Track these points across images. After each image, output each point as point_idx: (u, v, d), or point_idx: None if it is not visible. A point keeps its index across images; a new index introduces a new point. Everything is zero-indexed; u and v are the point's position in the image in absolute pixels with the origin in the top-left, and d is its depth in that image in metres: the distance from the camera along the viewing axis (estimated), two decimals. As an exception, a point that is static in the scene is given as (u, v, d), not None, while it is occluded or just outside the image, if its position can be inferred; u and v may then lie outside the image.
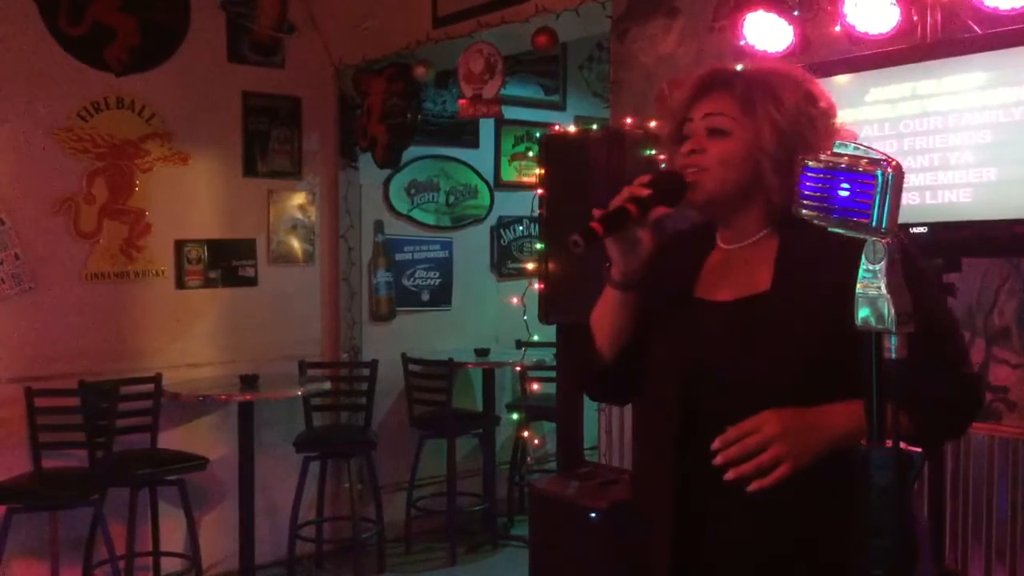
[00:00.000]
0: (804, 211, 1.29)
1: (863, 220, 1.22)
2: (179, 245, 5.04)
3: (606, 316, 1.72)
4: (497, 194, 6.27)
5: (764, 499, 1.49)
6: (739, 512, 1.54)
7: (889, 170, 1.21)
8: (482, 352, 5.67)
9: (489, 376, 5.70)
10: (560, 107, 6.43)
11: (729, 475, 1.47)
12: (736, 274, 1.64)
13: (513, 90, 5.60)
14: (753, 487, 1.46)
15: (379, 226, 5.82)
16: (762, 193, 1.60)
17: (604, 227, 1.55)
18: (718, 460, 1.47)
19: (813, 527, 1.51)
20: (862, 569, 1.22)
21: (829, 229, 1.25)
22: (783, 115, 1.58)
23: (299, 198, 5.47)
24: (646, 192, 1.58)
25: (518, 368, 5.48)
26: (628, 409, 3.66)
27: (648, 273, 1.66)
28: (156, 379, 4.76)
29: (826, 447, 1.47)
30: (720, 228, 1.70)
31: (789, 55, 3.15)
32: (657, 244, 1.63)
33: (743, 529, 1.55)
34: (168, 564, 4.82)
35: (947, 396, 1.53)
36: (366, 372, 5.31)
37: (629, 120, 3.41)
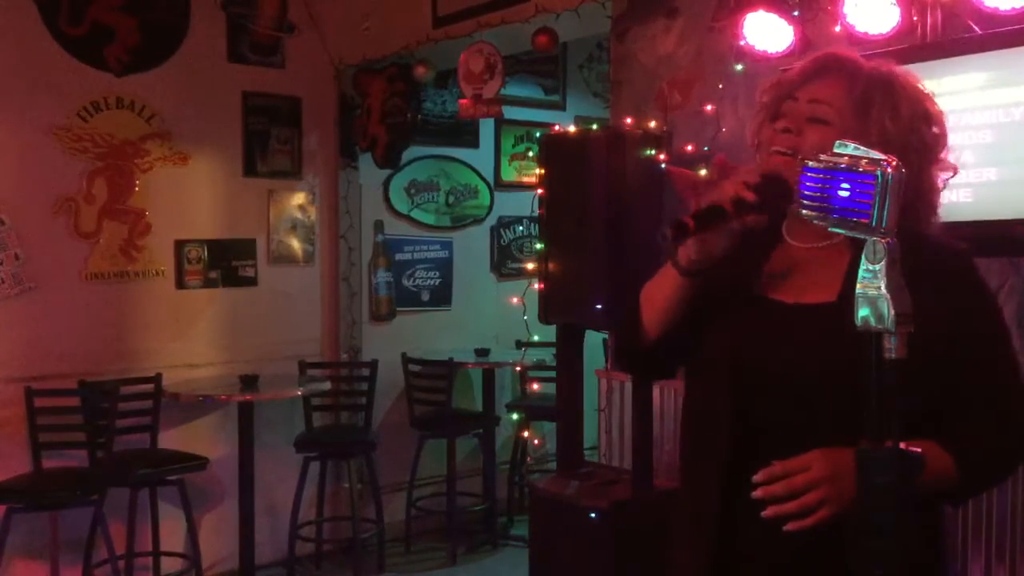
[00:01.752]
0: (804, 211, 1.29)
1: (863, 220, 1.22)
2: (179, 245, 5.03)
3: (660, 293, 1.63)
4: (497, 194, 6.27)
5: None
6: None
7: (889, 170, 1.21)
8: (482, 352, 5.66)
9: (489, 376, 5.70)
10: (560, 107, 6.43)
11: (768, 512, 1.41)
12: (804, 276, 1.58)
13: (513, 90, 5.60)
14: (791, 527, 1.40)
15: (379, 226, 5.82)
16: None
17: (697, 224, 1.47)
18: (758, 493, 1.42)
19: (837, 526, 1.43)
20: (862, 569, 1.22)
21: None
22: (895, 127, 1.51)
23: (299, 198, 5.47)
24: (751, 197, 1.48)
25: (518, 368, 5.48)
26: (628, 409, 3.66)
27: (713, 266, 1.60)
28: (156, 379, 4.76)
29: None
30: (794, 223, 1.62)
31: (789, 55, 3.15)
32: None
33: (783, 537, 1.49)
34: (168, 564, 4.82)
35: (991, 456, 1.49)
36: (366, 372, 5.31)
37: (629, 120, 3.42)
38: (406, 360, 5.46)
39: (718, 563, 1.57)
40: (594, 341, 3.96)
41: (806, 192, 1.28)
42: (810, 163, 1.28)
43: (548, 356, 4.90)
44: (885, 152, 1.39)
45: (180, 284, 5.04)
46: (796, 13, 3.18)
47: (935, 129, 1.57)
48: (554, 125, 3.61)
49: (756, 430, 1.53)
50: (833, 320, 1.48)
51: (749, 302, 1.61)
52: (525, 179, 6.09)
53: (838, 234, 1.52)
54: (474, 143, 6.16)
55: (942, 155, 1.58)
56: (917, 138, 1.54)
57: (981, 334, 1.50)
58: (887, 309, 1.20)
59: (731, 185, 1.49)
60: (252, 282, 5.29)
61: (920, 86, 1.60)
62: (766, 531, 1.50)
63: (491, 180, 6.26)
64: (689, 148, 3.51)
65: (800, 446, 1.47)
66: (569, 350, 3.43)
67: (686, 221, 1.46)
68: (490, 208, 6.26)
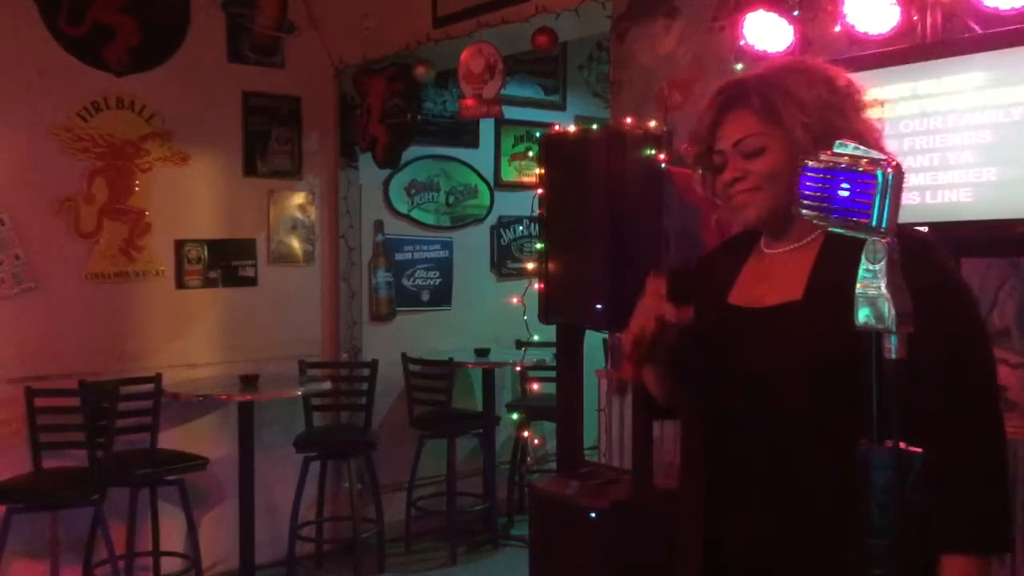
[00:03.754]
0: (804, 211, 1.29)
1: (863, 220, 1.22)
2: (179, 245, 5.04)
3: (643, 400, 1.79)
4: (497, 194, 6.27)
5: (787, 495, 1.54)
6: (763, 508, 1.58)
7: (889, 170, 1.21)
8: (482, 352, 5.67)
9: (489, 376, 5.70)
10: (560, 107, 6.43)
11: None
12: (773, 279, 1.63)
13: (513, 90, 5.60)
14: None
15: (379, 226, 5.81)
16: None
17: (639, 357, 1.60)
18: None
19: (835, 527, 1.47)
20: (862, 569, 1.22)
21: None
22: (810, 115, 1.55)
23: (299, 198, 5.47)
24: (668, 310, 1.56)
25: (518, 368, 5.47)
26: (628, 409, 3.65)
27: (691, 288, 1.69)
28: (156, 379, 4.75)
29: None
30: (771, 231, 1.68)
31: (789, 55, 3.15)
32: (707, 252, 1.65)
33: (766, 525, 1.58)
34: (168, 564, 4.81)
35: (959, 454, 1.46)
36: (366, 372, 5.31)
37: (629, 120, 3.41)
38: (406, 360, 5.46)
39: (709, 539, 1.66)
40: (594, 341, 3.95)
41: (806, 192, 1.28)
42: (810, 163, 1.27)
43: (548, 356, 4.90)
44: (818, 138, 1.48)
45: (180, 284, 5.04)
46: (796, 13, 3.17)
47: (840, 84, 1.60)
48: (554, 125, 3.60)
49: (736, 429, 1.61)
50: (795, 318, 1.56)
51: (719, 313, 1.68)
52: (525, 179, 6.09)
53: (808, 236, 1.61)
54: (474, 143, 6.16)
55: (861, 101, 1.60)
56: (835, 109, 1.56)
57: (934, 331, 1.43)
58: (887, 309, 1.20)
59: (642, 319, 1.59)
60: (252, 282, 5.29)
61: (805, 64, 1.64)
62: (753, 515, 1.59)
63: (491, 180, 6.26)
64: (689, 148, 3.50)
65: (777, 439, 1.56)
66: (569, 350, 3.42)
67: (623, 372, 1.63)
68: (490, 208, 6.26)
